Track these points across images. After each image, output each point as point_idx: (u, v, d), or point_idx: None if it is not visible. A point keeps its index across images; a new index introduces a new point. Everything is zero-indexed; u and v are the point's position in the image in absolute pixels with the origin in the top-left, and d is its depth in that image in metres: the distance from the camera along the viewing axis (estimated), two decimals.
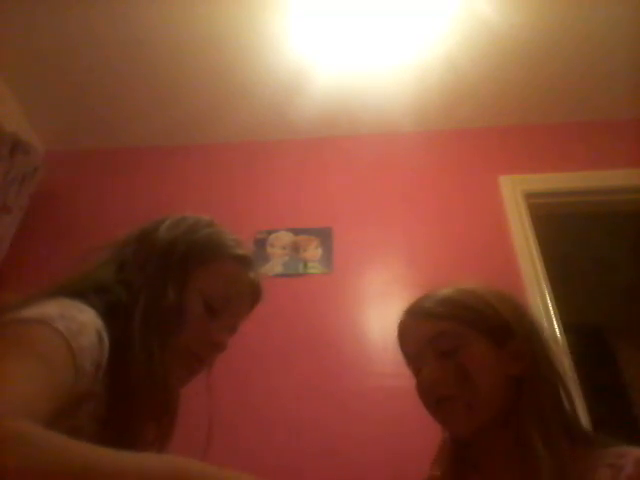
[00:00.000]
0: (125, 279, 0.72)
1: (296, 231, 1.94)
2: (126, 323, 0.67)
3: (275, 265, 1.87)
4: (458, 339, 0.77)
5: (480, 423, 0.75)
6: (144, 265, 0.74)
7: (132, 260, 0.75)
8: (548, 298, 1.72)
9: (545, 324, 1.65)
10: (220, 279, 0.78)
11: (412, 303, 0.86)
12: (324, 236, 1.92)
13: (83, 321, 0.60)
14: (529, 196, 1.97)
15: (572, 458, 0.68)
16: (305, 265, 1.86)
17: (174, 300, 0.72)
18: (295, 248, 1.90)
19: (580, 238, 2.64)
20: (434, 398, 0.78)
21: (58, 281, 0.71)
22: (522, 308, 0.83)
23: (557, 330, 1.65)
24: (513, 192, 1.96)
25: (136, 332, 0.67)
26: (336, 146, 2.17)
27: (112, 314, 0.65)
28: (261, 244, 1.91)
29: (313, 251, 1.89)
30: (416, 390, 0.82)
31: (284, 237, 1.93)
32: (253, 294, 0.85)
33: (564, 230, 2.38)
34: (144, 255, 0.76)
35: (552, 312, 1.69)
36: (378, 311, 1.74)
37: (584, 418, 1.49)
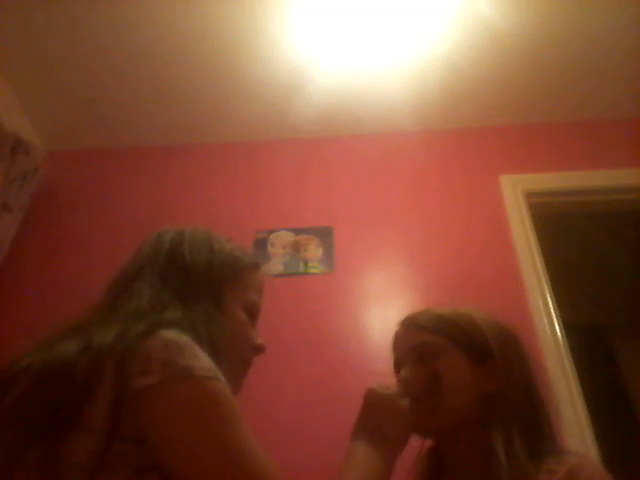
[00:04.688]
0: (192, 315, 0.74)
1: (297, 231, 1.94)
2: None
3: (276, 265, 1.87)
4: (438, 350, 0.87)
5: (443, 426, 0.84)
6: (196, 298, 0.77)
7: (187, 294, 0.77)
8: (549, 297, 1.72)
9: (546, 324, 1.66)
10: (250, 288, 0.86)
11: (408, 315, 0.96)
12: (325, 235, 1.92)
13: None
14: (530, 195, 1.97)
15: (534, 470, 0.76)
16: (306, 265, 1.86)
17: (224, 322, 0.77)
18: (296, 248, 1.90)
19: (581, 237, 2.64)
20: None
21: (137, 309, 0.72)
22: (508, 333, 0.91)
23: (558, 330, 1.65)
24: (514, 191, 1.96)
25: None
26: (336, 145, 2.17)
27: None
28: (262, 244, 1.91)
29: (314, 251, 1.89)
30: None
31: (285, 236, 1.93)
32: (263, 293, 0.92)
33: (565, 230, 2.38)
34: (195, 288, 0.78)
35: (553, 312, 1.69)
36: (379, 310, 1.74)
37: (584, 418, 1.49)
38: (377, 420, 0.79)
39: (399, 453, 0.79)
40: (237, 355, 0.81)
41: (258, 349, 0.85)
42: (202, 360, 0.63)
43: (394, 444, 0.79)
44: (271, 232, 1.94)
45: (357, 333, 1.71)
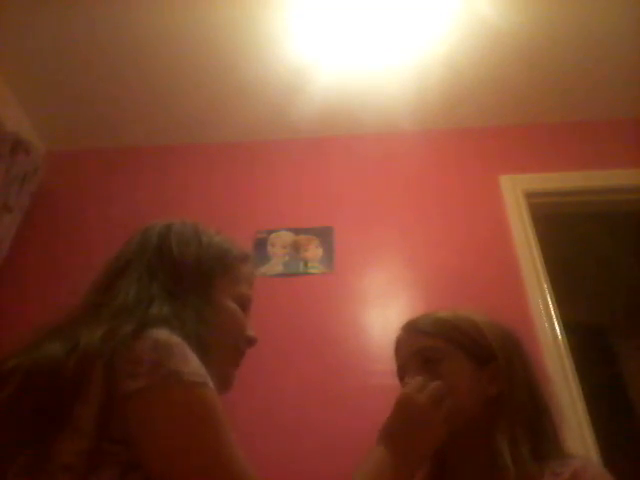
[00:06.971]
0: (180, 311, 0.73)
1: (297, 230, 1.94)
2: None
3: (275, 265, 1.87)
4: (441, 354, 0.87)
5: (447, 429, 0.81)
6: (185, 293, 0.76)
7: (176, 289, 0.76)
8: (549, 298, 1.72)
9: (546, 324, 1.66)
10: (240, 280, 0.85)
11: (409, 320, 0.96)
12: (325, 235, 1.92)
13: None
14: (530, 195, 1.97)
15: (539, 472, 0.76)
16: (306, 265, 1.86)
17: (214, 316, 0.76)
18: (296, 248, 1.90)
19: (581, 237, 2.64)
20: None
21: (118, 308, 0.71)
22: (509, 335, 0.92)
23: (558, 330, 1.65)
24: (514, 191, 1.96)
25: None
26: (336, 145, 2.17)
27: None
28: (261, 244, 1.91)
29: (314, 251, 1.89)
30: None
31: (285, 237, 1.93)
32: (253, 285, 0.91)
33: (565, 229, 2.38)
34: (184, 283, 0.77)
35: (553, 312, 1.69)
36: (379, 310, 1.74)
37: (584, 418, 1.49)
38: (406, 430, 0.77)
39: (420, 466, 0.78)
40: (229, 346, 0.80)
41: (250, 341, 0.84)
42: (191, 363, 0.62)
43: (418, 457, 0.77)
44: (271, 232, 1.94)
45: (357, 333, 1.71)
